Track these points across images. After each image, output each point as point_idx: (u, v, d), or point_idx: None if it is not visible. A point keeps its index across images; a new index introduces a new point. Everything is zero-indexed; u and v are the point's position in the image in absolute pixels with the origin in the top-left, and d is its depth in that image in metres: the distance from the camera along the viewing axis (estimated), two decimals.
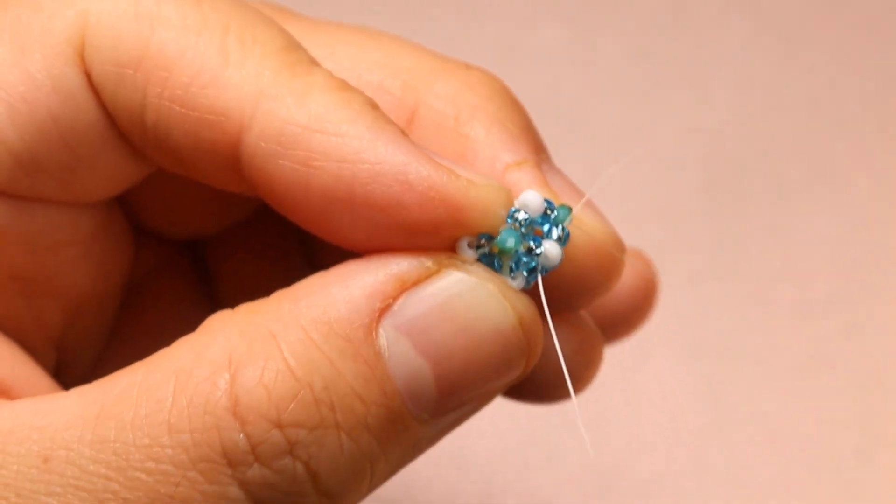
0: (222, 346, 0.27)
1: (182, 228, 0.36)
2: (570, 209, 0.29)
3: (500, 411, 0.54)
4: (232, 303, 0.38)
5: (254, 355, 0.27)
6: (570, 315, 0.33)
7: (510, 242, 0.28)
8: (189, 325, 0.38)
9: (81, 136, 0.29)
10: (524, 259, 0.28)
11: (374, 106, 0.28)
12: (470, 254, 0.28)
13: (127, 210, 0.35)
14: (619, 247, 0.31)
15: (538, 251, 0.28)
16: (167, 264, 0.37)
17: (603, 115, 0.61)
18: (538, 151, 0.31)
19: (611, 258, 0.30)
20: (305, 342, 0.27)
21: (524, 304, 0.28)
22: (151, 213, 0.35)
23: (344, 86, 0.29)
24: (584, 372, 0.35)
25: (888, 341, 0.56)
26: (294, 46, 0.29)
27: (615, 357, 0.56)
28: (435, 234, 0.27)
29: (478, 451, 0.53)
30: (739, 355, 0.55)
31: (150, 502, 0.26)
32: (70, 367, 0.34)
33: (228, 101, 0.28)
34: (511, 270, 0.28)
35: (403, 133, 0.28)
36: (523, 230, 0.28)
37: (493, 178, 0.28)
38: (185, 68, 0.28)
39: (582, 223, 0.30)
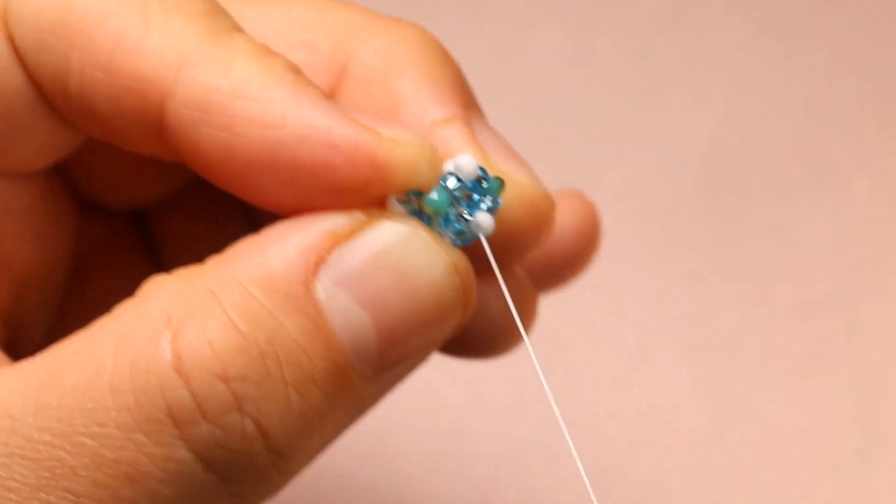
0: (161, 306, 0.27)
1: (123, 197, 0.36)
2: (502, 181, 0.29)
3: (501, 411, 0.54)
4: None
5: (195, 312, 0.26)
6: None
7: (439, 201, 0.28)
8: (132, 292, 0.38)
9: (10, 103, 0.29)
10: (454, 221, 0.28)
11: (296, 70, 0.28)
12: (399, 208, 0.28)
13: (67, 180, 0.34)
14: (549, 202, 0.31)
15: (469, 217, 0.28)
16: (113, 235, 0.37)
17: (602, 114, 0.61)
18: (469, 107, 0.31)
19: (541, 214, 0.30)
20: (246, 297, 0.27)
21: (457, 252, 0.28)
22: (91, 182, 0.35)
23: (266, 51, 0.29)
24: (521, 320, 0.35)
25: (888, 341, 0.56)
26: (216, 12, 0.29)
27: (615, 357, 0.56)
28: (362, 194, 0.27)
29: (478, 451, 0.53)
30: (739, 355, 0.55)
31: (97, 467, 0.26)
32: (20, 343, 0.34)
33: (151, 68, 0.28)
34: (440, 229, 0.28)
35: (327, 96, 0.28)
36: (456, 193, 0.28)
37: (418, 136, 0.28)
38: (107, 35, 0.28)
39: (510, 179, 0.29)
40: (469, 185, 0.29)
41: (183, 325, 0.26)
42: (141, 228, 0.38)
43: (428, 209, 0.28)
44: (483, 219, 0.29)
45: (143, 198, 0.36)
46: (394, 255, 0.28)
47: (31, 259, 0.33)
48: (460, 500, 0.52)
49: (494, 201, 0.29)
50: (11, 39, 0.29)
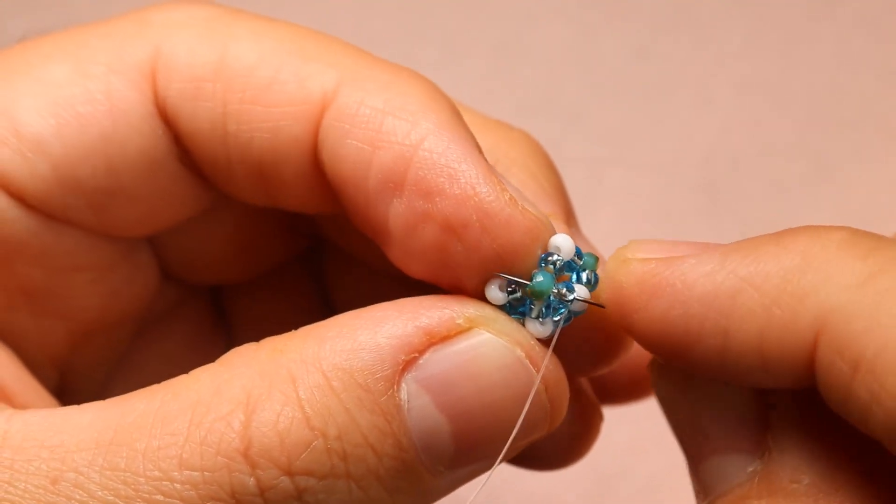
0: (241, 383, 0.27)
1: (205, 277, 0.36)
2: (597, 257, 0.29)
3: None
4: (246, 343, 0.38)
5: (271, 398, 0.26)
6: (574, 381, 0.33)
7: (545, 284, 0.28)
8: (200, 361, 0.38)
9: (131, 163, 0.29)
10: (555, 304, 0.28)
11: (454, 109, 0.29)
12: (499, 297, 0.28)
13: (154, 250, 0.34)
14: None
15: (570, 297, 0.28)
16: (185, 301, 0.37)
17: (603, 115, 0.61)
18: (566, 213, 0.32)
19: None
20: (324, 389, 0.27)
21: (552, 368, 0.28)
22: (177, 259, 0.35)
23: (431, 84, 0.29)
24: (582, 442, 0.35)
25: None
26: (365, 54, 0.30)
27: None
28: (464, 237, 0.27)
29: None
30: None
31: None
32: (72, 392, 0.34)
33: (310, 89, 0.28)
34: (541, 315, 0.28)
35: (475, 142, 0.28)
36: (556, 272, 0.28)
37: (539, 211, 0.28)
38: (264, 70, 0.29)
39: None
40: (567, 262, 0.28)
41: (258, 410, 0.26)
42: (214, 297, 0.38)
43: (531, 293, 0.28)
44: (581, 291, 0.28)
45: (223, 278, 0.36)
46: (486, 367, 0.27)
47: (98, 314, 0.33)
48: (460, 500, 0.52)
49: (593, 276, 0.29)
50: (161, 99, 0.29)
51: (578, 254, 0.29)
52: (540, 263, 0.28)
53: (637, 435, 0.54)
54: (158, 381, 0.35)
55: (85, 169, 0.29)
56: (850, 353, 0.24)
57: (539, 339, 0.28)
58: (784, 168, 0.60)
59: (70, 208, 0.30)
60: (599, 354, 0.31)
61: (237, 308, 0.37)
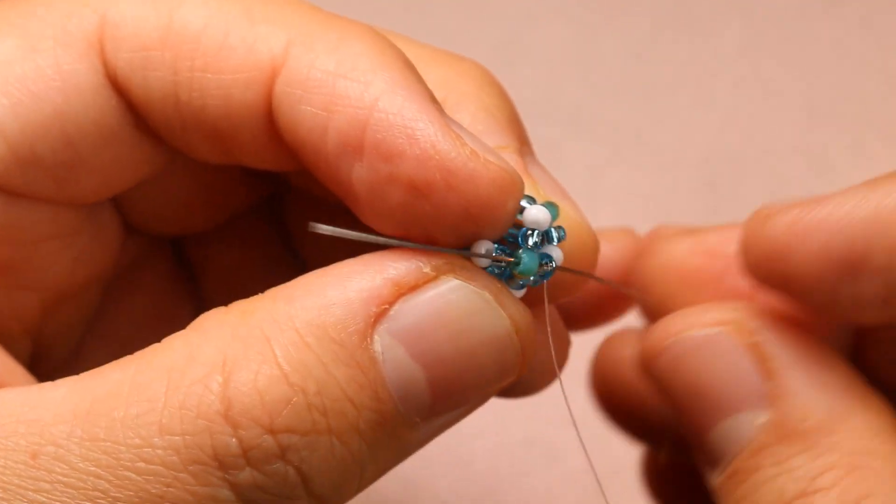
0: (215, 346, 0.27)
1: (168, 228, 0.36)
2: (557, 206, 0.29)
3: (500, 412, 0.54)
4: (214, 297, 0.38)
5: (247, 358, 0.26)
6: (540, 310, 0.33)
7: (532, 265, 0.28)
8: (169, 317, 0.37)
9: (87, 135, 0.29)
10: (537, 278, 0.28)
11: (408, 64, 0.28)
12: (482, 262, 0.28)
13: (116, 205, 0.34)
14: (595, 238, 0.31)
15: (550, 266, 0.28)
16: (148, 256, 0.37)
17: (603, 115, 0.61)
18: (521, 142, 0.31)
19: (588, 250, 0.30)
20: (299, 345, 0.27)
21: (520, 311, 0.28)
22: (139, 210, 0.35)
23: (382, 38, 0.28)
24: (550, 368, 0.35)
25: None
26: (317, 9, 0.29)
27: None
28: (430, 197, 0.27)
29: (478, 451, 0.53)
30: None
31: (141, 502, 0.26)
32: (45, 358, 0.34)
33: (259, 54, 0.28)
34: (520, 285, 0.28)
35: (431, 95, 0.28)
36: (538, 248, 0.28)
37: (510, 164, 0.28)
38: (211, 35, 0.28)
39: (566, 218, 0.29)
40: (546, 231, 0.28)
41: (236, 370, 0.26)
42: (176, 250, 0.38)
43: (519, 273, 0.28)
44: (557, 255, 0.28)
45: (186, 228, 0.36)
46: (455, 313, 0.27)
47: (68, 279, 0.33)
48: (460, 500, 0.52)
49: (561, 232, 0.29)
50: (113, 69, 0.29)
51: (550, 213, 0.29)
52: (519, 241, 0.28)
53: None
54: (129, 339, 0.34)
55: (43, 145, 0.29)
56: None
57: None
58: (784, 168, 0.60)
59: (31, 183, 0.30)
60: (565, 286, 0.31)
61: (201, 258, 0.37)
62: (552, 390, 0.55)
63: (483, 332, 0.28)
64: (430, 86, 0.31)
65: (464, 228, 0.27)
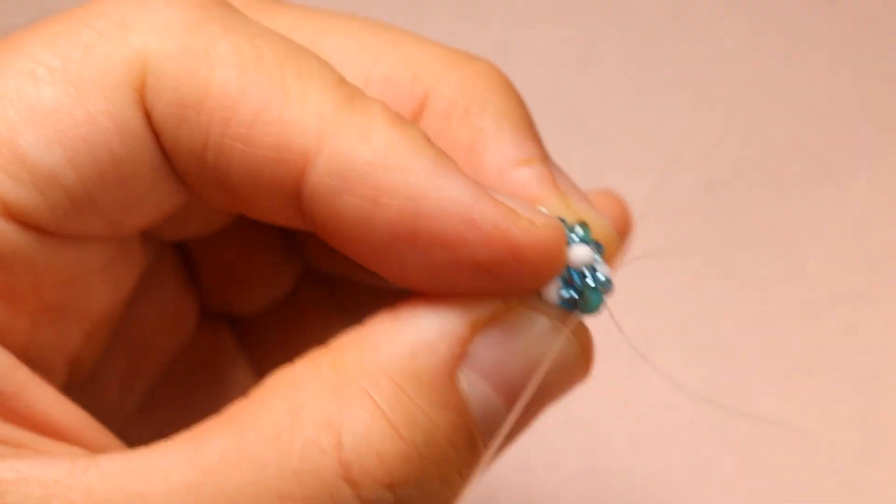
0: (317, 403, 0.27)
1: (177, 233, 0.36)
2: (587, 226, 0.30)
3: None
4: (216, 294, 0.38)
5: (354, 417, 0.27)
6: None
7: (599, 302, 0.30)
8: (180, 320, 0.37)
9: (140, 177, 0.29)
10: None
11: (430, 141, 0.29)
12: (554, 300, 0.29)
13: None
14: (618, 242, 0.32)
15: (609, 289, 0.30)
16: (157, 261, 0.37)
17: (603, 115, 0.62)
18: (542, 148, 0.32)
19: (613, 254, 0.31)
20: (400, 397, 0.27)
21: (583, 330, 0.30)
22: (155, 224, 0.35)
23: (402, 119, 0.29)
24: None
25: (890, 340, 0.56)
26: (344, 79, 0.30)
27: (616, 357, 0.56)
28: (496, 275, 0.28)
29: None
30: (740, 355, 0.55)
31: None
32: (74, 376, 0.34)
33: (293, 138, 0.28)
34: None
35: (462, 170, 0.28)
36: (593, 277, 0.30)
37: (552, 218, 0.29)
38: (247, 107, 0.28)
39: (594, 228, 0.30)
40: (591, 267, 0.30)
41: (345, 431, 0.27)
42: (185, 256, 0.38)
43: (588, 312, 0.30)
44: (607, 271, 0.30)
45: (194, 231, 0.36)
46: (530, 344, 0.28)
47: (108, 306, 0.33)
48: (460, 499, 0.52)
49: (599, 246, 0.30)
50: (149, 114, 0.29)
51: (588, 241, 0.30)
52: (577, 281, 0.29)
53: (637, 435, 0.54)
54: (144, 348, 0.35)
55: (101, 192, 0.29)
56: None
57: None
58: (784, 168, 0.60)
59: (88, 228, 0.30)
60: None
61: (203, 257, 0.38)
62: None
63: (557, 357, 0.29)
64: (450, 90, 0.31)
65: (529, 288, 0.29)
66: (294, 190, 0.29)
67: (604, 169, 0.60)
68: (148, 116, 0.29)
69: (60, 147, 0.28)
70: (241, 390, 0.36)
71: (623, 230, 0.40)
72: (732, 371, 0.55)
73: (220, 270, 0.38)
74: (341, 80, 0.29)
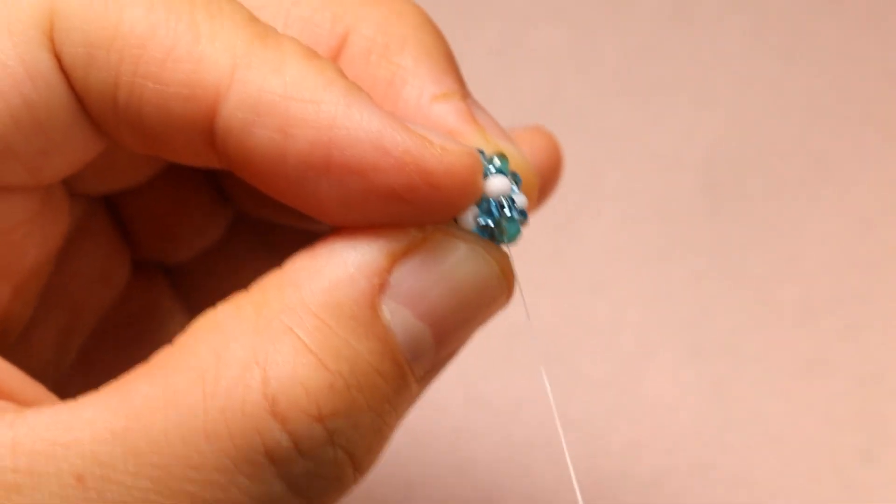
0: (241, 344, 0.27)
1: (104, 187, 0.36)
2: (506, 157, 0.31)
3: (501, 412, 0.54)
4: (148, 248, 0.38)
5: (278, 351, 0.27)
6: None
7: (516, 232, 0.30)
8: (113, 275, 0.37)
9: (55, 121, 0.29)
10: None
11: (343, 74, 0.29)
12: (470, 226, 0.30)
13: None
14: (536, 177, 0.32)
15: (525, 219, 0.30)
16: (86, 219, 0.37)
17: (603, 115, 0.61)
18: (461, 83, 0.32)
19: (532, 189, 0.32)
20: (323, 329, 0.27)
21: (502, 254, 0.30)
22: (80, 177, 0.35)
23: (314, 54, 0.29)
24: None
25: (891, 341, 0.56)
26: (256, 18, 0.30)
27: (616, 357, 0.56)
28: (412, 202, 0.28)
29: (478, 454, 0.53)
30: (740, 355, 0.55)
31: None
32: (5, 335, 0.34)
33: (204, 74, 0.28)
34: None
35: (373, 99, 0.29)
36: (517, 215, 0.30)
37: (466, 145, 0.29)
38: (157, 45, 0.28)
39: (512, 160, 0.31)
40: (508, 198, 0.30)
41: (270, 367, 0.27)
42: (112, 209, 0.38)
43: (507, 241, 0.30)
44: (523, 201, 0.30)
45: (121, 184, 0.37)
46: (450, 270, 0.29)
47: (35, 260, 0.33)
48: (460, 501, 0.52)
49: (516, 176, 0.31)
50: (59, 56, 0.29)
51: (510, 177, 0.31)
52: (494, 212, 0.30)
53: (637, 435, 0.54)
54: (79, 304, 0.35)
55: (16, 136, 0.29)
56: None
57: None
58: (784, 168, 0.60)
59: (6, 175, 0.30)
60: None
61: (132, 210, 0.38)
62: (552, 392, 0.55)
63: (477, 280, 0.29)
64: (369, 29, 0.32)
65: (442, 217, 0.29)
66: (207, 127, 0.29)
67: (604, 169, 0.60)
68: (59, 60, 0.29)
69: None
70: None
71: (552, 165, 0.40)
72: (732, 371, 0.55)
73: (150, 222, 0.38)
74: (252, 18, 0.29)
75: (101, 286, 0.37)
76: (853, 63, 0.62)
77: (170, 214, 0.38)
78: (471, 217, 0.30)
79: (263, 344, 0.27)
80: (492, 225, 0.30)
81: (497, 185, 0.30)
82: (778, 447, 0.53)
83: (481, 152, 0.30)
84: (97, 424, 0.27)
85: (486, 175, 0.30)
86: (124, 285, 0.38)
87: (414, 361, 0.29)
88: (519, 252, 0.31)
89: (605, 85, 0.62)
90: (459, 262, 0.29)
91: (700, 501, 0.52)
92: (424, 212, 0.29)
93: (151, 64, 0.28)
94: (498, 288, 0.30)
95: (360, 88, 0.29)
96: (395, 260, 0.28)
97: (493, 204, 0.30)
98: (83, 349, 0.38)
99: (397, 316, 0.28)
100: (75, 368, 0.37)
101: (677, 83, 0.62)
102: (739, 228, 0.59)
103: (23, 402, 0.29)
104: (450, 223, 0.29)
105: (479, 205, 0.30)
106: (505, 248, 0.30)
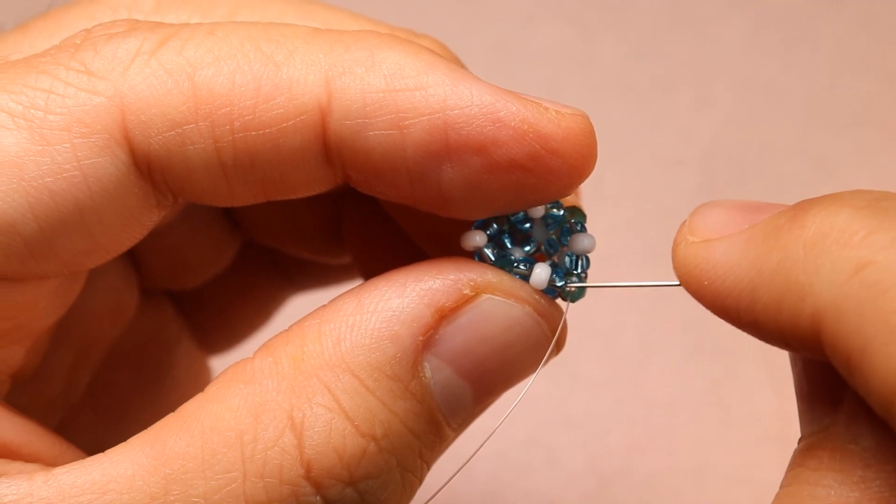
0: (278, 403, 0.27)
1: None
2: (574, 209, 0.30)
3: (500, 413, 0.54)
4: (159, 279, 0.38)
5: (314, 414, 0.27)
6: None
7: (580, 294, 0.30)
8: (123, 308, 0.37)
9: (107, 225, 0.29)
10: (566, 263, 0.30)
11: (437, 54, 0.28)
12: (481, 240, 0.29)
13: None
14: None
15: (574, 261, 0.30)
16: None
17: (602, 114, 0.61)
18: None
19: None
20: (360, 390, 0.27)
21: (554, 310, 0.29)
22: None
23: (401, 40, 0.28)
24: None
25: None
26: (319, 28, 0.29)
27: (617, 357, 0.55)
28: (532, 172, 0.27)
29: (479, 452, 0.53)
30: (740, 355, 0.55)
31: None
32: (17, 382, 0.33)
33: (299, 98, 0.27)
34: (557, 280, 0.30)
35: (476, 76, 0.28)
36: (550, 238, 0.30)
37: (575, 108, 0.28)
38: (241, 94, 0.28)
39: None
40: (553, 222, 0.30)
41: (306, 430, 0.27)
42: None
43: (571, 300, 0.30)
44: (590, 244, 0.30)
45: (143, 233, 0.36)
46: (497, 329, 0.28)
47: (50, 319, 0.32)
48: (460, 500, 0.52)
49: (580, 224, 0.30)
50: (143, 155, 0.28)
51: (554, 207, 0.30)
52: (570, 267, 0.29)
53: (637, 435, 0.54)
54: (90, 340, 0.35)
55: (62, 241, 0.28)
56: (841, 353, 0.24)
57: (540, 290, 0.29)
58: (784, 168, 0.60)
59: (44, 272, 0.29)
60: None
61: (144, 244, 0.37)
62: (552, 393, 0.55)
63: (523, 340, 0.29)
64: None
65: (566, 187, 0.28)
66: (321, 149, 0.28)
67: (604, 169, 0.60)
68: (145, 159, 0.28)
69: (21, 196, 0.27)
70: (187, 364, 0.35)
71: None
72: (732, 371, 0.55)
73: (161, 253, 0.38)
74: (316, 29, 0.29)
75: (110, 319, 0.37)
76: (852, 63, 0.62)
77: (181, 245, 0.38)
78: (544, 275, 0.29)
79: (300, 403, 0.27)
80: (561, 285, 0.29)
81: (586, 243, 0.29)
82: (778, 446, 0.53)
83: (562, 208, 0.30)
84: (133, 486, 0.26)
85: (572, 231, 0.29)
86: (133, 315, 0.38)
87: (451, 417, 0.28)
88: None
89: (604, 84, 0.62)
90: (510, 323, 0.28)
91: (700, 501, 0.52)
92: (548, 183, 0.28)
93: (244, 114, 0.27)
94: (545, 347, 0.29)
95: (460, 65, 0.28)
96: (444, 317, 0.28)
97: (571, 261, 0.29)
98: (92, 378, 0.37)
99: (439, 374, 0.28)
100: (85, 397, 0.37)
101: (677, 83, 0.62)
102: None
103: (47, 462, 0.29)
104: (507, 279, 0.29)
105: (554, 263, 0.29)
106: (563, 305, 0.29)
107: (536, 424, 0.53)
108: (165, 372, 0.29)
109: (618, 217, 0.59)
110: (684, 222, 0.30)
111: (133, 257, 0.38)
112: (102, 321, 0.36)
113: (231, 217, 0.38)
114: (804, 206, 0.27)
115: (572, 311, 0.53)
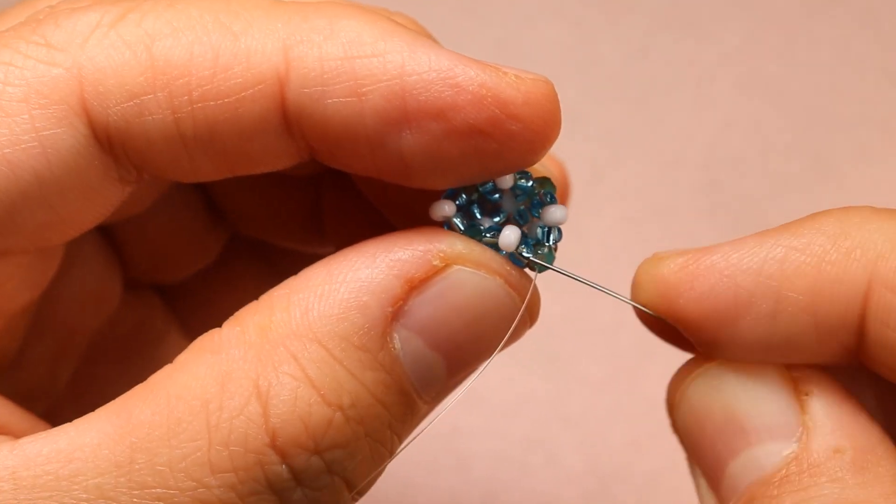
0: (244, 372, 0.27)
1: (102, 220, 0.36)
2: (544, 179, 0.30)
3: (501, 413, 0.54)
4: (141, 267, 0.37)
5: (281, 382, 0.27)
6: None
7: (511, 236, 0.29)
8: (106, 297, 0.37)
9: (67, 196, 0.29)
10: (531, 235, 0.29)
11: (397, 22, 0.28)
12: (450, 210, 0.29)
13: None
14: (566, 181, 0.32)
15: (543, 232, 0.30)
16: (76, 243, 0.36)
17: (603, 115, 0.61)
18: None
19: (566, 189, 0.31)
20: (327, 360, 0.27)
21: (525, 281, 0.29)
22: None
23: (361, 8, 0.28)
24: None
25: None
26: (281, 0, 0.29)
27: (616, 356, 0.56)
28: (492, 137, 0.27)
29: (478, 452, 0.53)
30: None
31: None
32: None
33: (257, 67, 0.27)
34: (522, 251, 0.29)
35: (436, 41, 0.28)
36: (518, 205, 0.29)
37: (536, 74, 0.28)
38: (199, 64, 0.28)
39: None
40: (523, 190, 0.29)
41: (272, 399, 0.27)
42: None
43: (539, 271, 0.29)
44: (562, 215, 0.30)
45: (119, 217, 0.36)
46: (467, 300, 0.28)
47: (25, 301, 0.32)
48: (460, 500, 0.52)
49: (552, 197, 0.30)
50: (101, 126, 0.28)
51: (521, 176, 0.29)
52: (542, 238, 0.29)
53: (636, 434, 0.54)
54: (72, 328, 0.35)
55: (22, 213, 0.28)
56: None
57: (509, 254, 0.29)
58: (784, 168, 0.60)
59: (8, 246, 0.29)
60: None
61: (126, 233, 0.37)
62: (552, 392, 0.55)
63: (494, 311, 0.28)
64: None
65: (529, 153, 0.28)
66: (280, 118, 0.28)
67: (604, 169, 0.60)
68: (104, 129, 0.28)
69: None
70: (174, 357, 0.35)
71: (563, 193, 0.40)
72: None
73: (144, 245, 0.38)
74: (276, 1, 0.28)
75: (92, 309, 0.37)
76: (852, 63, 0.62)
77: (165, 237, 0.38)
78: (513, 237, 0.29)
79: (266, 372, 0.27)
80: (530, 256, 0.29)
81: (557, 214, 0.29)
82: None
83: (531, 179, 0.29)
84: (98, 455, 0.26)
85: (543, 203, 0.29)
86: (116, 307, 0.38)
87: (423, 390, 0.28)
88: None
89: (605, 85, 0.62)
90: (481, 294, 0.28)
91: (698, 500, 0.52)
92: (509, 150, 0.27)
93: (203, 84, 0.28)
94: (519, 321, 0.29)
95: (421, 32, 0.28)
96: (413, 288, 0.28)
97: (543, 232, 0.29)
98: (77, 371, 0.37)
99: (408, 345, 0.28)
100: (68, 389, 0.37)
101: (677, 83, 0.62)
102: (738, 227, 0.59)
103: (15, 433, 0.29)
104: (477, 249, 0.28)
105: (526, 232, 0.29)
106: (532, 275, 0.29)
107: (536, 424, 0.53)
108: (152, 365, 0.29)
109: (618, 217, 0.59)
110: (646, 260, 0.31)
111: (116, 248, 0.38)
112: (84, 310, 0.36)
113: (215, 209, 0.38)
114: (811, 215, 0.29)
115: (572, 311, 0.53)
